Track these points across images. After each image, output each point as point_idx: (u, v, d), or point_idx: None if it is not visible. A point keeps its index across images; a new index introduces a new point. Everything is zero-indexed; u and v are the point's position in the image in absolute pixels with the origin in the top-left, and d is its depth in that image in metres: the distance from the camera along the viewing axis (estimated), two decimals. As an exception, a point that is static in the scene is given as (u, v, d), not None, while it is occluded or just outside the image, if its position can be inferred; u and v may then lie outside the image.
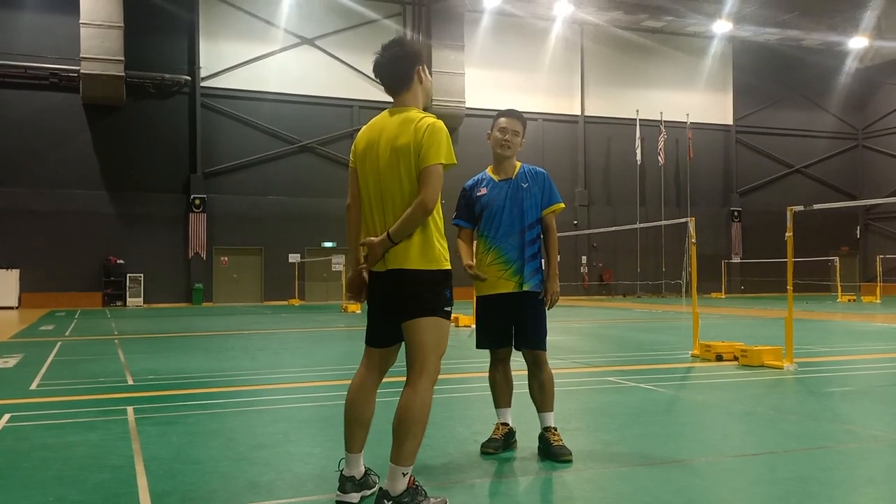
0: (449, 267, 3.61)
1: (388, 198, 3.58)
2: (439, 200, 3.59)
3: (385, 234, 3.52)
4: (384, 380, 3.77)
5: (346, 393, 3.73)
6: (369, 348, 3.72)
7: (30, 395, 7.28)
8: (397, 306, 3.55)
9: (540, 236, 4.74)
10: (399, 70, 3.68)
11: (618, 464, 4.45)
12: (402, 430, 3.41)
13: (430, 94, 3.81)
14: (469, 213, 4.76)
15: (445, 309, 3.56)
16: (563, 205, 4.79)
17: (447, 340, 3.58)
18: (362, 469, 3.73)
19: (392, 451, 3.43)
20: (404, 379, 3.53)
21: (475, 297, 4.78)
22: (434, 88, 32.21)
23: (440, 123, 3.57)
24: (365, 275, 3.68)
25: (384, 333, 3.66)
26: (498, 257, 4.63)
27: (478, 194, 4.74)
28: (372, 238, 3.58)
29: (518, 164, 4.79)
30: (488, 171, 4.82)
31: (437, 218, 3.61)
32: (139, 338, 13.92)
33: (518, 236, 4.63)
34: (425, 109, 3.72)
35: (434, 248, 3.55)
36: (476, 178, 4.86)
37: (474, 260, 4.71)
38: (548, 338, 4.70)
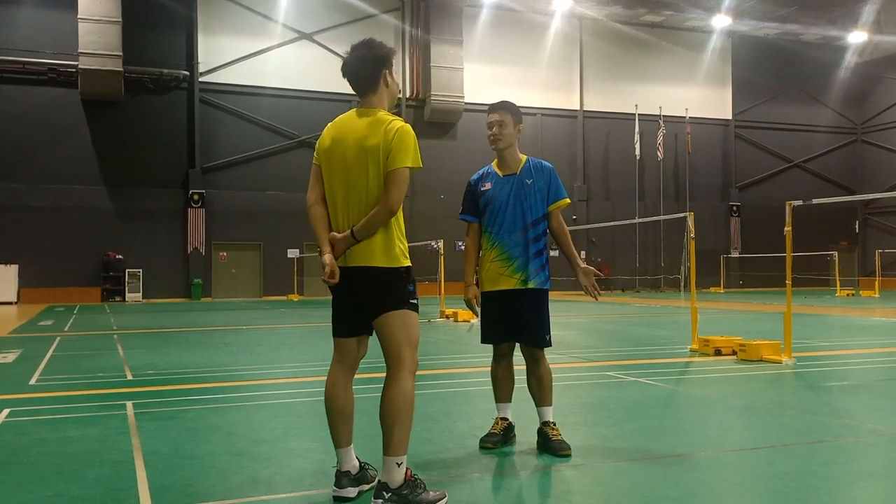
0: (409, 264, 3.70)
1: (354, 196, 3.65)
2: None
3: (349, 231, 3.61)
4: (372, 375, 3.77)
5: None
6: (338, 339, 3.79)
7: (29, 390, 7.29)
8: (363, 302, 3.65)
9: (546, 232, 4.71)
10: (365, 72, 3.74)
11: (616, 458, 4.46)
12: (389, 420, 3.50)
13: (395, 97, 3.88)
14: (474, 207, 4.74)
15: (412, 301, 3.65)
16: (568, 200, 4.77)
17: (418, 330, 3.68)
18: (356, 463, 3.77)
19: (383, 443, 3.51)
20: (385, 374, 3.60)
21: (480, 293, 4.75)
22: (432, 83, 32.21)
23: (409, 127, 3.66)
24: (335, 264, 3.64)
25: (351, 323, 3.74)
26: (501, 254, 4.61)
27: (482, 189, 4.72)
28: (335, 234, 3.66)
29: (524, 157, 4.75)
30: (493, 166, 4.79)
31: (399, 218, 3.70)
32: (138, 333, 13.91)
33: (521, 233, 4.61)
34: (395, 112, 3.78)
35: (395, 247, 3.64)
36: (481, 171, 4.83)
37: (475, 279, 4.70)
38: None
